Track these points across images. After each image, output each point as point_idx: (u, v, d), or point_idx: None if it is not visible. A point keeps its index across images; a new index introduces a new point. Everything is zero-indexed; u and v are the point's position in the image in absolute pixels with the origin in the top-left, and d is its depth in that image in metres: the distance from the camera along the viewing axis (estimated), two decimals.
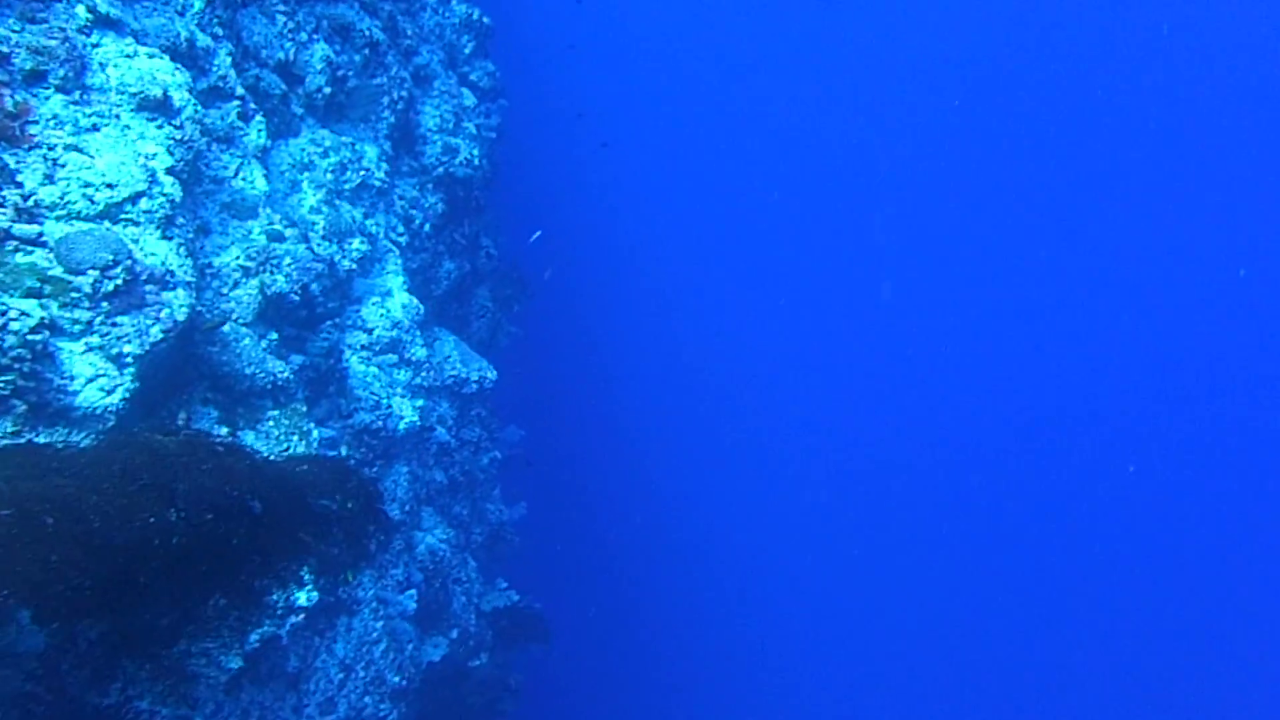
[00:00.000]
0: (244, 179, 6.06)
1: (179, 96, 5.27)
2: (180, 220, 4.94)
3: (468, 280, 10.50)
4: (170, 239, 4.78)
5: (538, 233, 15.71)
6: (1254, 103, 36.57)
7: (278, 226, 5.81)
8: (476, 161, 9.54)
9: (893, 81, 36.13)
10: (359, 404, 6.75)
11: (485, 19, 11.81)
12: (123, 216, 4.65)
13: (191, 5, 6.15)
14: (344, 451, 6.60)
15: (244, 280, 5.36)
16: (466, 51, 11.53)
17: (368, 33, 8.24)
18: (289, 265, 5.50)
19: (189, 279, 4.68)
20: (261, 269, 5.44)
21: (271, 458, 4.82)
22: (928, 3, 35.32)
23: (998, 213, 37.32)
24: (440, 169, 9.23)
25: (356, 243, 7.19)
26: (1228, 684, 32.35)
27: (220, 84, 6.22)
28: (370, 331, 7.25)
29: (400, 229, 8.31)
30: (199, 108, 5.35)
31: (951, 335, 36.41)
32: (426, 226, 8.88)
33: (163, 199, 4.82)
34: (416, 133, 9.18)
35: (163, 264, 4.59)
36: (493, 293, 11.67)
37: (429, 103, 9.45)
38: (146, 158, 4.91)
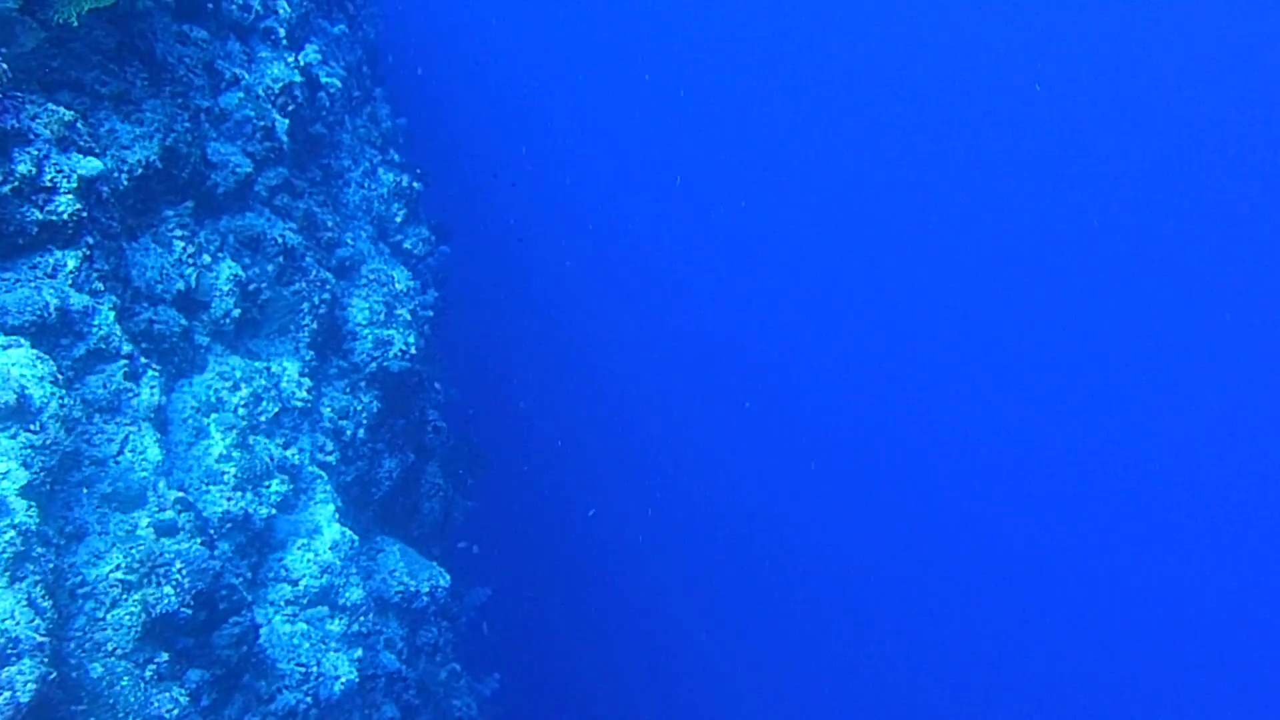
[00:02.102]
0: (132, 452, 5.37)
1: (39, 393, 4.61)
2: (37, 550, 4.24)
3: (413, 468, 9.80)
4: (19, 583, 4.07)
5: None
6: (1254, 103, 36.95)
7: (169, 514, 5.10)
8: (413, 350, 8.93)
9: (892, 80, 36.20)
10: (283, 682, 5.97)
11: (415, 184, 11.40)
12: None
13: (64, 265, 5.54)
14: None
15: (124, 598, 4.64)
16: (398, 220, 11.06)
17: (280, 240, 7.68)
18: (180, 572, 4.79)
19: (40, 637, 3.96)
20: (145, 580, 4.71)
21: None
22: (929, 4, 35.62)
23: (994, 213, 37.27)
24: (373, 364, 8.60)
25: (275, 484, 6.50)
26: (1227, 685, 31.80)
27: (102, 345, 5.58)
28: (296, 583, 6.51)
29: (329, 446, 7.63)
30: (64, 401, 4.69)
31: (947, 336, 36.15)
32: (360, 432, 8.22)
33: (12, 534, 4.12)
34: (344, 329, 8.57)
35: (2, 629, 3.86)
36: (444, 468, 10.97)
37: (357, 295, 8.87)
38: None
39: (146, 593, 4.64)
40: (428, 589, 8.33)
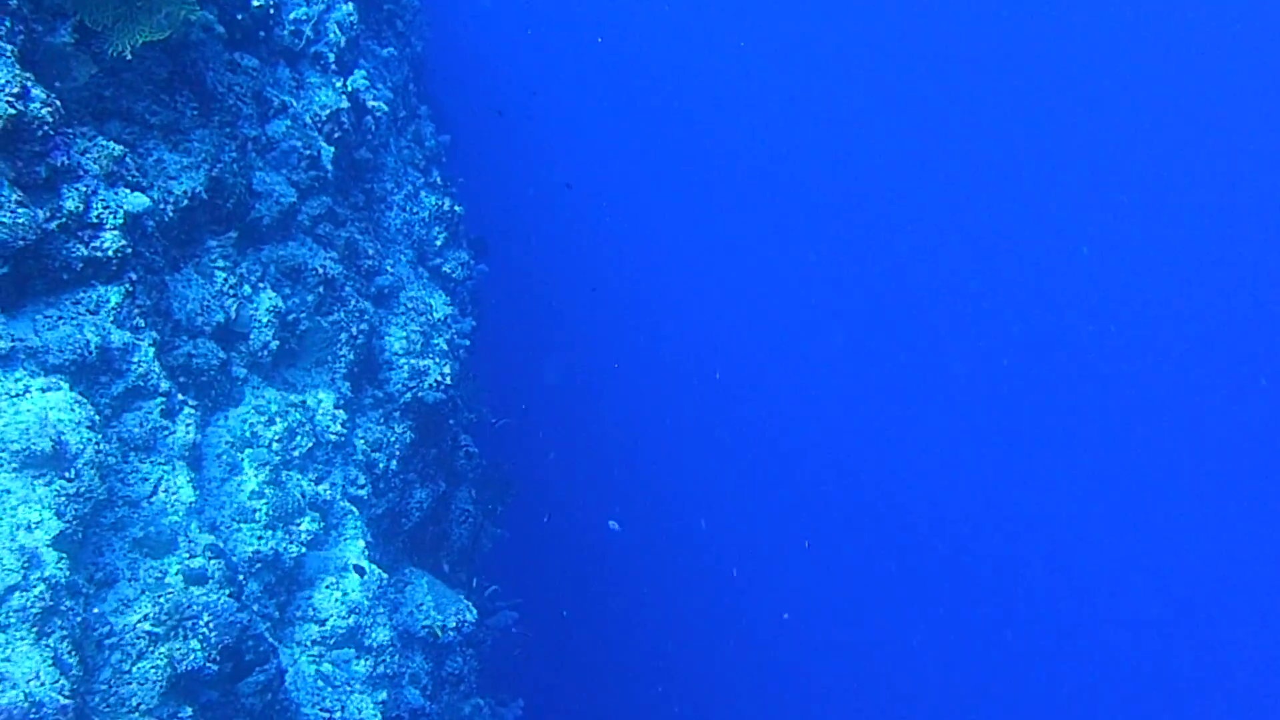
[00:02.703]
0: (165, 493, 5.35)
1: (76, 439, 4.59)
2: (66, 604, 4.21)
3: (444, 496, 9.75)
4: (47, 639, 4.04)
5: None
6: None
7: (199, 561, 5.06)
8: (448, 380, 8.88)
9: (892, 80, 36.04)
10: None
11: (457, 207, 11.37)
12: None
13: (107, 300, 5.53)
14: None
15: (150, 650, 4.60)
16: (438, 244, 11.04)
17: (321, 269, 7.67)
18: (207, 625, 4.74)
19: (65, 699, 3.92)
20: (172, 634, 4.68)
21: None
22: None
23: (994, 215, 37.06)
24: (408, 395, 8.57)
25: (305, 523, 6.46)
26: (1228, 685, 31.40)
27: (140, 383, 5.57)
28: (323, 623, 6.46)
29: (361, 480, 7.59)
30: (100, 447, 4.66)
31: (943, 337, 35.98)
32: (393, 464, 8.18)
33: (41, 587, 4.10)
34: (380, 358, 8.54)
35: (27, 691, 3.83)
36: (474, 495, 10.91)
37: (394, 324, 8.84)
38: (27, 530, 4.20)
39: (173, 646, 4.61)
40: (454, 623, 8.27)
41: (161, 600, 4.75)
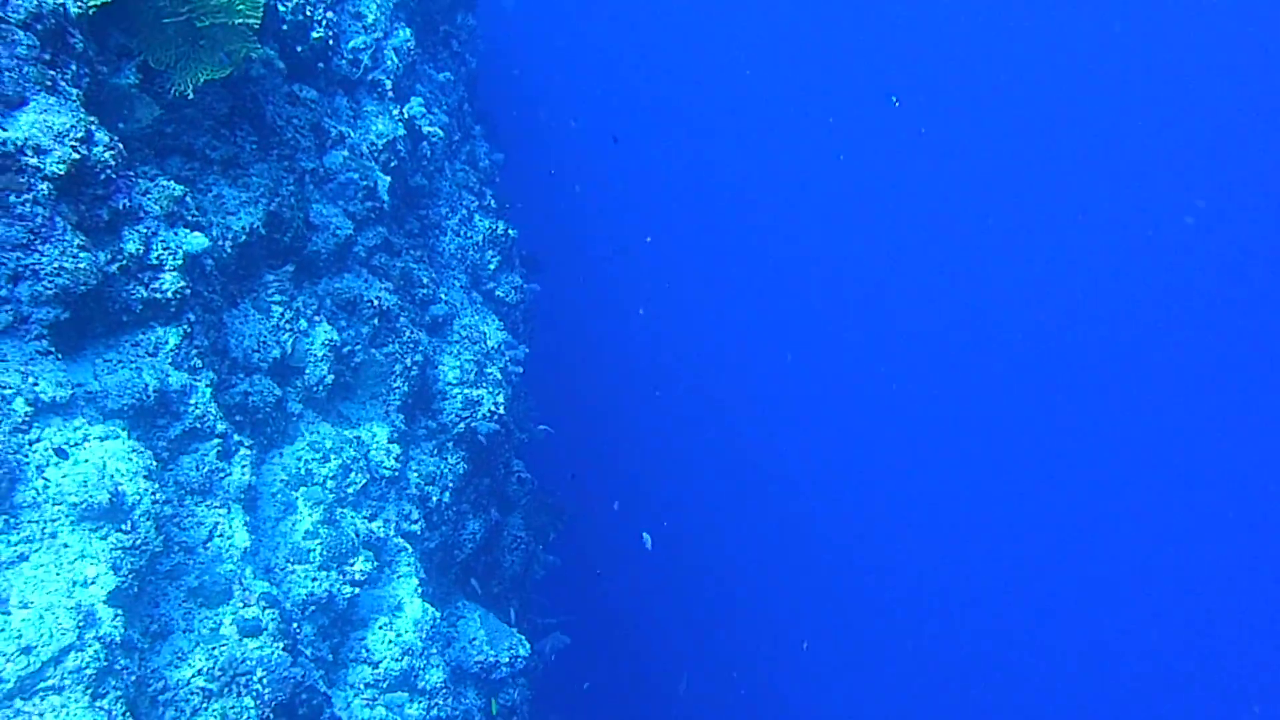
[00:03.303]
0: (220, 538, 5.30)
1: (133, 489, 4.55)
2: (120, 663, 4.15)
3: (496, 525, 9.66)
4: (101, 700, 3.98)
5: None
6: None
7: (253, 611, 5.00)
8: (501, 410, 8.80)
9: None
10: None
11: (511, 231, 11.30)
12: (40, 686, 3.87)
13: (165, 343, 5.51)
14: None
15: (204, 707, 4.54)
16: (491, 268, 10.98)
17: (376, 301, 7.62)
18: (261, 682, 4.67)
19: None
20: (226, 690, 4.61)
21: None
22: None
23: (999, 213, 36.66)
24: (461, 425, 8.49)
25: (359, 563, 6.38)
26: (1227, 685, 30.53)
27: (197, 425, 5.53)
28: (376, 665, 6.38)
29: (415, 515, 7.52)
30: (157, 497, 4.62)
31: (953, 338, 35.57)
32: (446, 496, 8.10)
33: (97, 647, 4.04)
34: (434, 389, 8.48)
35: None
36: (526, 521, 10.82)
37: (448, 353, 8.78)
38: (82, 586, 4.16)
39: (226, 704, 4.54)
40: (507, 659, 8.16)
41: (216, 653, 4.69)
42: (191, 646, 4.72)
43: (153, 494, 4.60)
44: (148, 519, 4.53)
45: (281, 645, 4.90)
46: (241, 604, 4.99)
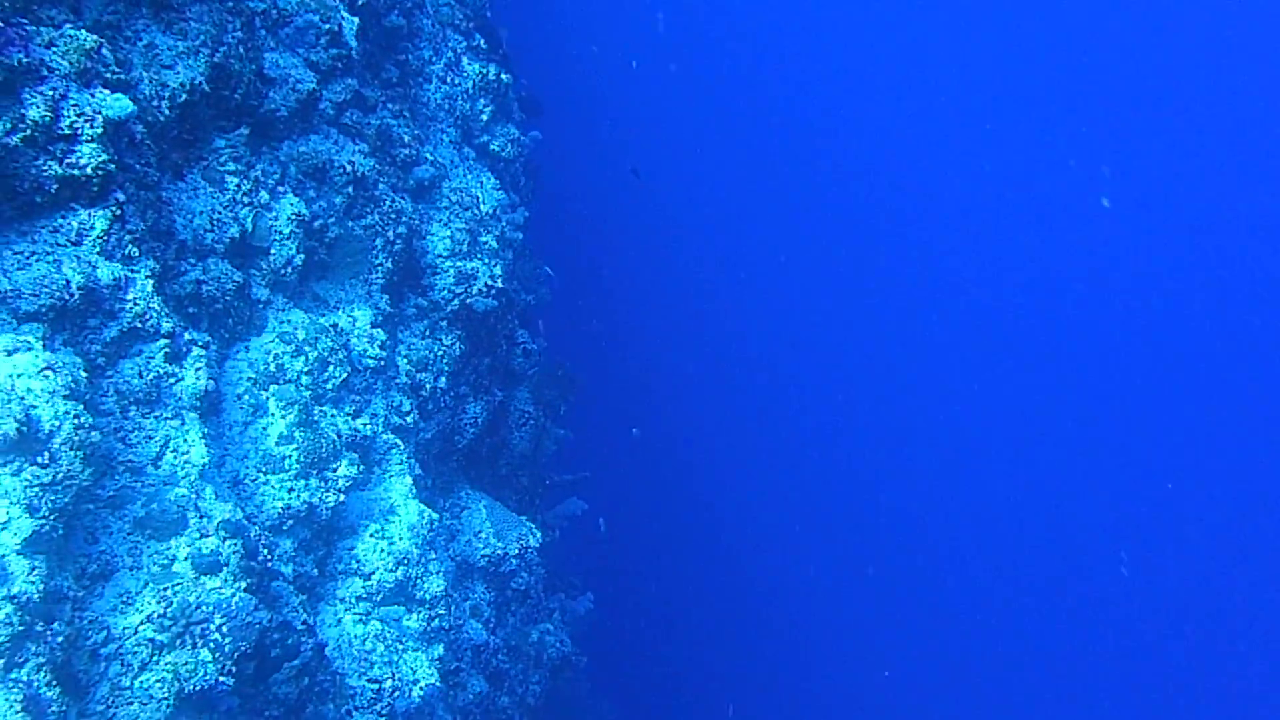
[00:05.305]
0: (174, 454, 4.60)
1: (50, 413, 3.80)
2: (40, 625, 3.52)
3: (501, 404, 9.00)
4: (19, 670, 3.35)
5: None
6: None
7: (212, 542, 4.33)
8: (499, 283, 7.96)
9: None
10: (353, 702, 5.34)
11: (504, 75, 10.13)
12: None
13: (91, 228, 4.65)
14: None
15: (154, 660, 3.93)
16: (484, 119, 9.89)
17: (349, 167, 6.67)
18: (219, 630, 4.04)
19: None
20: (179, 641, 3.99)
21: None
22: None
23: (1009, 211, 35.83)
24: (455, 302, 7.68)
25: (343, 467, 5.71)
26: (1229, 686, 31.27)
27: (138, 324, 4.74)
28: (369, 577, 5.80)
29: (405, 406, 6.81)
30: (81, 421, 3.87)
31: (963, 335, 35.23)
32: (442, 381, 7.37)
33: (8, 609, 3.39)
34: (423, 261, 7.63)
35: None
36: (534, 395, 10.15)
37: (437, 220, 7.86)
38: None
39: (179, 658, 3.93)
40: (516, 550, 7.64)
41: (168, 595, 4.06)
42: (139, 587, 4.08)
43: (76, 416, 3.85)
44: (71, 447, 3.80)
45: (244, 584, 4.26)
46: (198, 534, 4.33)
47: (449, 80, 9.40)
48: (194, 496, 4.43)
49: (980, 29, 35.12)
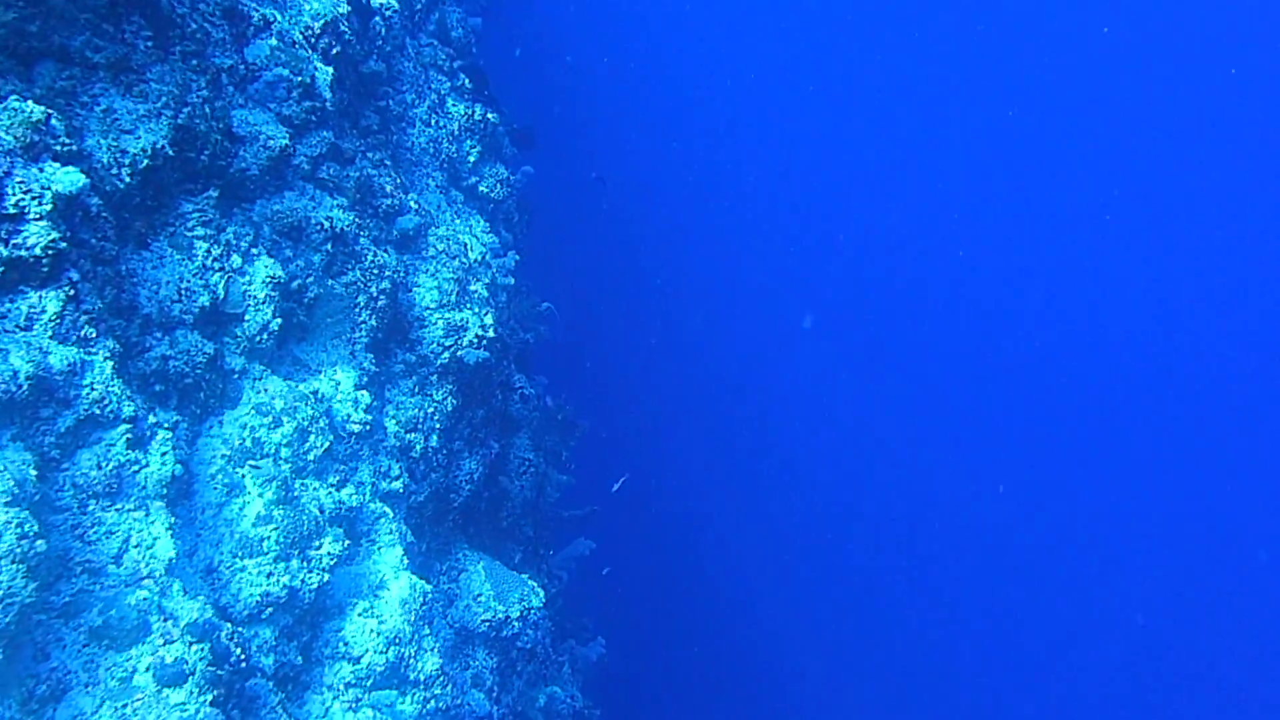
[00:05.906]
0: (137, 549, 4.28)
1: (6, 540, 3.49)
2: None
3: (499, 455, 8.67)
4: None
5: None
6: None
7: (176, 650, 4.01)
8: (491, 333, 7.66)
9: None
10: None
11: (490, 114, 9.88)
12: None
13: (41, 311, 4.36)
14: None
15: None
16: (471, 160, 9.64)
17: (327, 223, 6.38)
18: None
19: None
20: None
21: None
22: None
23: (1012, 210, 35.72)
24: (445, 355, 7.37)
25: (327, 544, 5.39)
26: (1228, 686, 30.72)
27: (96, 410, 4.44)
28: (358, 660, 5.47)
29: (394, 470, 6.49)
30: (25, 529, 3.56)
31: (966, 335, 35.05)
32: (433, 440, 7.06)
33: None
34: (410, 315, 7.33)
35: None
36: (534, 441, 9.82)
37: (424, 270, 7.57)
38: None
39: None
40: (518, 612, 7.29)
41: (126, 712, 3.74)
42: (95, 706, 3.76)
43: (19, 525, 3.55)
44: (12, 560, 3.49)
45: (211, 696, 3.94)
46: (162, 640, 4.01)
47: (433, 123, 9.16)
48: (158, 597, 4.12)
49: (977, 28, 34.89)
